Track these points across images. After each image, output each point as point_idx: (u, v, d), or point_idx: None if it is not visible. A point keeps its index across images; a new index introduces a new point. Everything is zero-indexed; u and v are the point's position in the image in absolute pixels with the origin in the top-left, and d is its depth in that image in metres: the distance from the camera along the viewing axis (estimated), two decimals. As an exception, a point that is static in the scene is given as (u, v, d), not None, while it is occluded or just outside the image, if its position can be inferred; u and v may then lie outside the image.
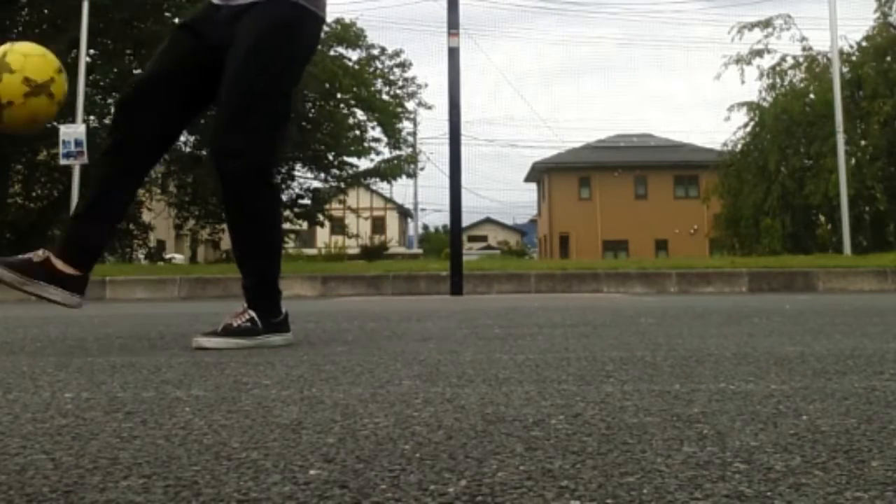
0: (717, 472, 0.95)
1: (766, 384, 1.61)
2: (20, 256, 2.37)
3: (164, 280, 7.51)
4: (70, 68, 11.51)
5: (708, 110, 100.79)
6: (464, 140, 7.66)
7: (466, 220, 18.17)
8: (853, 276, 7.45)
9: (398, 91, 21.79)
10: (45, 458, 1.05)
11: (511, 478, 0.93)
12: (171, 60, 2.52)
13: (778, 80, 19.87)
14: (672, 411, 1.33)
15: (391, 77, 21.63)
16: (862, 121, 17.38)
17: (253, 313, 2.42)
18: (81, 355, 2.22)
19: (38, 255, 2.38)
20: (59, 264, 2.38)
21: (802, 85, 19.54)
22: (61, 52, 12.80)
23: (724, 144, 21.23)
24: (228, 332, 2.39)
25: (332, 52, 20.05)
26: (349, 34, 20.59)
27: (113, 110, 2.58)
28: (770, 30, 19.57)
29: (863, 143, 17.57)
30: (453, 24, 7.32)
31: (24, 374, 1.84)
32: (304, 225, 22.37)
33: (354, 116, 20.96)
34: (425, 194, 68.36)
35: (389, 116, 21.04)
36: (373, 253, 23.97)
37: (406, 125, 22.52)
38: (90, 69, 13.23)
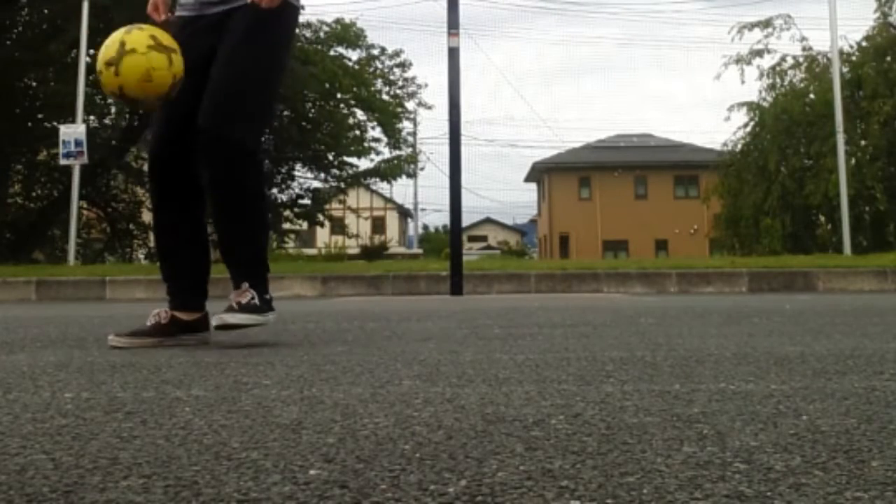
0: (717, 472, 0.95)
1: (766, 384, 1.61)
2: (149, 325, 2.52)
3: (164, 280, 7.49)
4: (70, 68, 11.51)
5: (708, 110, 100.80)
6: (464, 140, 7.66)
7: (466, 220, 18.16)
8: (853, 276, 7.44)
9: (398, 91, 21.75)
10: (45, 458, 1.05)
11: (511, 478, 0.94)
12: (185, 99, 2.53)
13: (778, 80, 19.86)
14: (672, 411, 1.33)
15: (391, 77, 21.59)
16: (862, 121, 17.37)
17: (254, 291, 2.46)
18: (81, 355, 2.22)
19: (163, 316, 2.53)
20: (183, 315, 2.55)
21: (802, 85, 19.53)
22: (61, 51, 12.84)
23: (724, 144, 21.24)
24: (242, 308, 2.42)
25: (332, 52, 20.03)
26: (349, 34, 20.56)
27: (147, 167, 2.68)
28: (770, 30, 19.57)
29: (863, 143, 17.57)
30: (453, 24, 7.32)
31: (24, 374, 1.84)
32: (304, 225, 22.34)
33: (354, 116, 20.93)
34: (425, 194, 68.32)
35: (389, 116, 21.01)
36: (373, 253, 23.94)
37: (406, 125, 22.49)
38: (90, 69, 13.22)
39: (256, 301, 2.44)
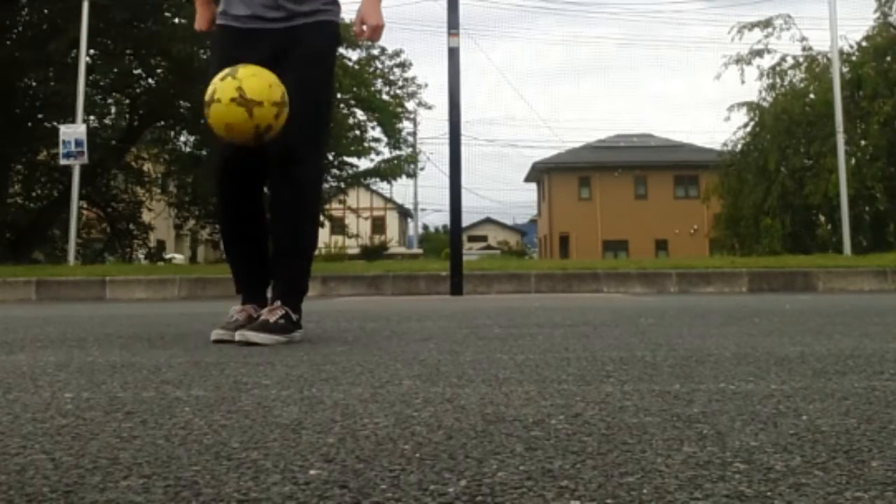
0: (717, 472, 0.95)
1: (766, 384, 1.61)
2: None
3: (164, 280, 7.51)
4: (70, 68, 11.51)
5: (708, 110, 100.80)
6: (464, 140, 7.66)
7: (466, 220, 18.16)
8: (853, 276, 7.44)
9: (398, 91, 21.72)
10: (45, 458, 1.05)
11: (511, 478, 0.94)
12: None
13: (778, 80, 19.86)
14: (672, 411, 1.33)
15: (391, 77, 21.57)
16: (862, 121, 17.37)
17: (286, 309, 2.51)
18: (81, 355, 2.22)
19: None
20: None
21: (802, 85, 19.53)
22: (61, 51, 12.83)
23: (724, 144, 21.26)
24: (267, 328, 2.45)
25: (331, 52, 19.98)
26: (349, 34, 20.50)
27: (216, 171, 2.72)
28: (770, 30, 19.57)
29: (863, 143, 17.58)
30: (453, 24, 7.32)
31: (24, 374, 1.84)
32: (304, 225, 22.29)
33: (354, 116, 20.90)
34: (425, 194, 68.31)
35: (389, 116, 21.00)
36: (373, 253, 23.97)
37: (406, 125, 22.48)
38: (90, 69, 13.21)
39: (284, 321, 2.49)
